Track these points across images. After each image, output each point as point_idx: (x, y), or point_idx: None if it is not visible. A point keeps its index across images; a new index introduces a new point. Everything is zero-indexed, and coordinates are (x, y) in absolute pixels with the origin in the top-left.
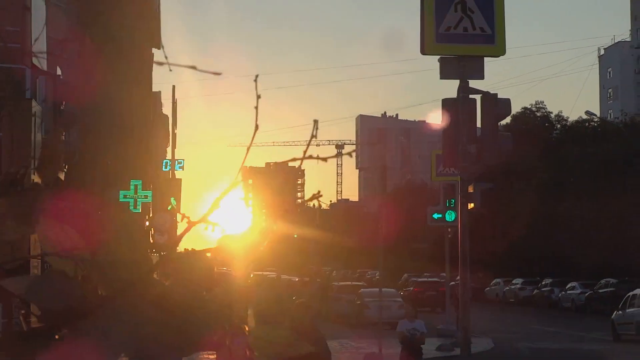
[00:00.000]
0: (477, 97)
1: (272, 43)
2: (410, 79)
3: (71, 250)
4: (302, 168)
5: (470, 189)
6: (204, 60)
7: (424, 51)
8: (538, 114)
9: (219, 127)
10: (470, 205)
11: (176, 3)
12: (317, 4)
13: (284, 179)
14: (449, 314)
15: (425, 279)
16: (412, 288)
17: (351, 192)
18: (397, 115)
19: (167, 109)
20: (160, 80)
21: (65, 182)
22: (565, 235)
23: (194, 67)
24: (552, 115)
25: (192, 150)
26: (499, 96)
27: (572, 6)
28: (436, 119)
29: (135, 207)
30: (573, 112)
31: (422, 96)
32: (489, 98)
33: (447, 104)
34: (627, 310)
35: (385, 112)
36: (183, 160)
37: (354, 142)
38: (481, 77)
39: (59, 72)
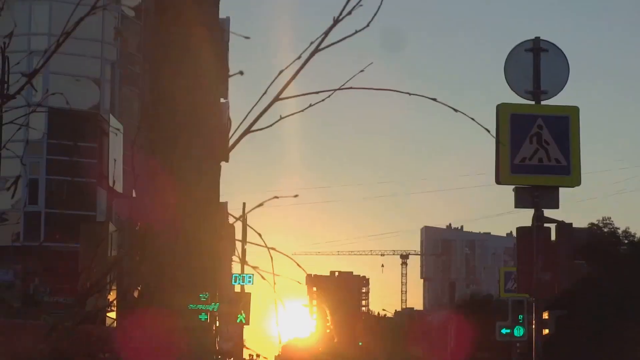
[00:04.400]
0: (552, 226)
1: (337, 156)
2: (475, 193)
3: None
4: (367, 277)
5: (545, 316)
6: (267, 171)
7: (499, 181)
8: (605, 230)
9: (284, 235)
10: (545, 332)
11: (240, 117)
12: (382, 118)
13: (348, 287)
14: None
15: None
16: None
17: (416, 302)
18: (462, 227)
19: (232, 220)
20: (226, 190)
21: (139, 299)
22: (635, 353)
23: (275, 197)
24: (620, 231)
25: (258, 260)
26: (573, 224)
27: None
28: (500, 231)
29: (203, 317)
30: None
31: (486, 210)
32: (565, 227)
33: (521, 232)
34: None
35: (450, 224)
36: (252, 275)
37: (419, 253)
38: (556, 206)
39: (134, 194)
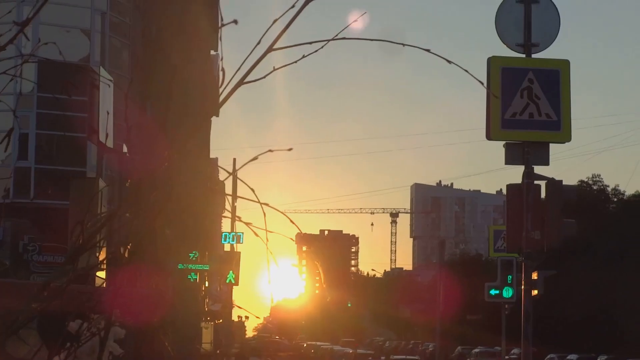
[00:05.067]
0: (542, 183)
1: (327, 112)
2: (465, 150)
3: (138, 317)
4: (357, 236)
5: (535, 276)
6: (258, 127)
7: (489, 137)
8: (595, 187)
9: (274, 193)
10: (534, 292)
11: (232, 70)
12: (372, 73)
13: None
14: None
15: None
16: None
17: (405, 261)
18: (452, 184)
19: (222, 176)
20: (217, 147)
21: (130, 257)
22: (624, 311)
23: (270, 151)
24: (609, 189)
25: (248, 218)
26: (563, 181)
27: (629, 79)
28: (490, 189)
29: (192, 277)
30: (630, 186)
31: (476, 167)
32: (555, 185)
33: (511, 189)
34: None
35: (440, 181)
36: (242, 233)
37: (409, 211)
38: (546, 163)
39: (125, 149)
